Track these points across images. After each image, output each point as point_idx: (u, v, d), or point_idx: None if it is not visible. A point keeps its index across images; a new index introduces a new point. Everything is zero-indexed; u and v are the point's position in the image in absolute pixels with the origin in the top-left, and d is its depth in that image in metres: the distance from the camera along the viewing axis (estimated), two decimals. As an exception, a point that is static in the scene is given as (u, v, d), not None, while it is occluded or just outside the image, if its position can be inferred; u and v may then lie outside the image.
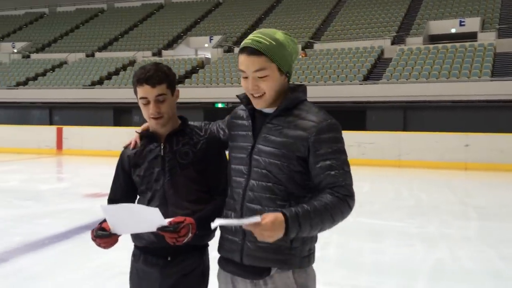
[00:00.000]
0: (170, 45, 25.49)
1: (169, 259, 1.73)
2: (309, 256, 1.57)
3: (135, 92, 1.76)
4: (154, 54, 23.93)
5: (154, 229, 1.56)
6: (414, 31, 20.29)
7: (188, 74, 20.93)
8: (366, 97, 15.86)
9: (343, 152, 1.52)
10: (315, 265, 1.62)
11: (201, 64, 22.30)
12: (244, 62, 1.53)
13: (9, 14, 33.85)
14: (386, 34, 20.48)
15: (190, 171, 1.75)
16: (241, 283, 1.59)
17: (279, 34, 1.54)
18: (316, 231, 1.45)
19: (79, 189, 8.54)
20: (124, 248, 2.00)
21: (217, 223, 1.41)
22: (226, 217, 1.62)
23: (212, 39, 25.32)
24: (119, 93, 19.34)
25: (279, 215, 1.37)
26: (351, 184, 1.50)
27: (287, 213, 1.38)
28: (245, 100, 1.64)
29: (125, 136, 12.37)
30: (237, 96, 1.69)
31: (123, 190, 1.85)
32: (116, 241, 1.64)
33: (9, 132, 16.24)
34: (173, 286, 1.72)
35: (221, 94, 18.38)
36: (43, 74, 22.55)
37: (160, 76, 1.71)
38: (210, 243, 1.83)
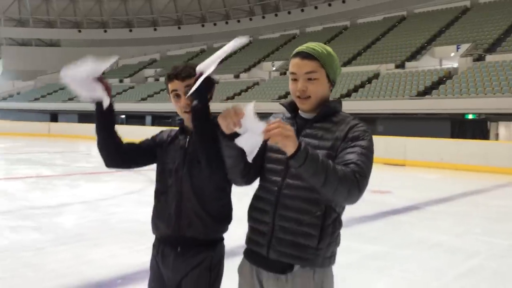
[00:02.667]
0: (413, 57, 25.50)
1: (178, 250, 1.80)
2: (331, 258, 1.62)
3: (168, 91, 1.86)
4: (397, 66, 24.42)
5: (95, 74, 1.74)
6: None
7: (434, 85, 20.66)
8: None
9: (368, 149, 1.53)
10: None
11: (448, 75, 21.65)
12: (297, 64, 1.63)
13: (267, 37, 39.57)
14: None
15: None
16: (265, 276, 1.65)
17: (329, 48, 1.68)
18: (319, 179, 1.42)
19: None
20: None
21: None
22: (262, 213, 1.66)
23: (459, 48, 24.21)
24: (365, 104, 20.62)
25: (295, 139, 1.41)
26: (368, 172, 1.50)
27: (303, 143, 1.42)
28: (289, 107, 1.73)
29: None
30: (281, 103, 1.76)
31: (138, 146, 1.93)
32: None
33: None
34: (182, 278, 1.79)
35: (471, 105, 17.62)
36: (298, 88, 25.79)
37: (189, 71, 1.78)
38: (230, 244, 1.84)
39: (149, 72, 39.96)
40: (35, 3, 49.39)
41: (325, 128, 1.60)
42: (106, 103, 1.78)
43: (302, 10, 40.24)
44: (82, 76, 1.74)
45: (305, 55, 1.62)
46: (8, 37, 49.78)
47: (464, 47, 23.87)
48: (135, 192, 8.02)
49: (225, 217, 1.83)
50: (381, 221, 6.52)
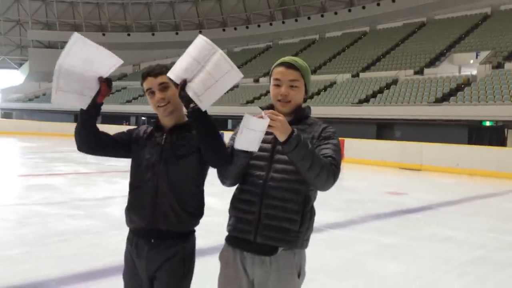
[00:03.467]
0: (432, 63, 25.79)
1: (152, 241, 1.86)
2: (307, 241, 1.85)
3: (143, 90, 1.94)
4: (416, 73, 24.76)
5: (98, 74, 1.75)
6: None
7: (452, 92, 20.98)
8: None
9: (338, 147, 1.82)
10: None
11: (466, 81, 21.93)
12: (282, 72, 1.86)
13: (287, 42, 40.21)
14: None
15: (186, 161, 1.88)
16: (249, 260, 1.82)
17: (305, 64, 1.93)
18: (306, 163, 1.65)
19: (377, 188, 10.38)
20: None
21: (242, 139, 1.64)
22: (248, 204, 1.83)
23: (478, 55, 24.45)
24: (383, 110, 21.05)
25: (289, 126, 1.66)
26: (340, 163, 1.77)
27: (295, 131, 1.66)
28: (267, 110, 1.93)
29: (387, 148, 14.27)
30: (261, 107, 1.94)
31: (114, 139, 1.97)
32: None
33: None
34: (157, 268, 1.86)
35: (489, 112, 17.95)
36: (317, 93, 26.31)
37: (161, 68, 1.90)
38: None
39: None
40: (62, 7, 50.99)
41: (300, 129, 1.80)
42: (86, 104, 1.80)
43: (322, 16, 40.71)
44: (83, 70, 1.71)
45: (289, 65, 1.86)
46: (35, 40, 51.43)
47: (484, 54, 24.09)
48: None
49: (199, 212, 1.93)
50: (396, 218, 7.08)
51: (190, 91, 1.68)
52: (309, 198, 1.81)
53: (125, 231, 2.02)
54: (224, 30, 46.69)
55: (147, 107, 30.85)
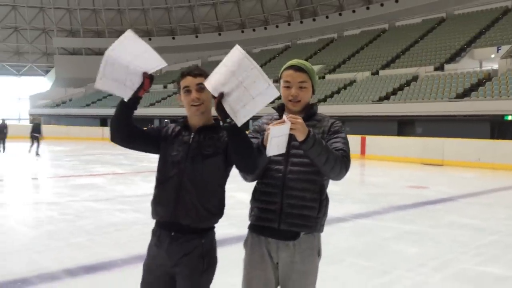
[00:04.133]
0: (452, 59, 25.79)
1: (172, 234, 1.94)
2: (323, 225, 2.05)
3: (179, 88, 2.02)
4: (436, 69, 24.84)
5: (143, 70, 1.84)
6: None
7: (473, 87, 21.07)
8: None
9: (346, 139, 2.03)
10: None
11: (487, 76, 21.96)
12: (291, 75, 2.04)
13: (305, 42, 40.52)
14: None
15: (212, 161, 1.95)
16: (274, 245, 2.00)
17: (312, 66, 2.11)
18: (322, 158, 1.85)
19: (399, 182, 10.80)
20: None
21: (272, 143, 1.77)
22: (270, 195, 2.01)
23: (499, 49, 24.40)
24: (403, 107, 21.27)
25: (306, 127, 1.84)
26: (349, 154, 1.98)
27: (311, 130, 1.85)
28: (279, 110, 2.14)
29: (409, 144, 14.76)
30: (273, 107, 2.17)
31: (145, 134, 2.03)
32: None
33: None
34: (176, 263, 1.94)
35: (511, 106, 18.03)
36: (337, 92, 26.63)
37: (201, 70, 2.01)
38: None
39: (192, 78, 41.69)
40: (85, 14, 52.45)
41: (312, 125, 1.98)
42: (128, 96, 1.89)
43: (340, 14, 40.83)
44: (129, 63, 1.79)
45: (298, 68, 2.04)
46: (60, 47, 53.03)
47: (505, 48, 24.00)
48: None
49: (219, 211, 2.00)
50: (417, 209, 7.52)
51: (227, 106, 1.75)
52: (324, 187, 2.02)
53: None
54: (242, 31, 47.29)
55: (170, 110, 31.73)
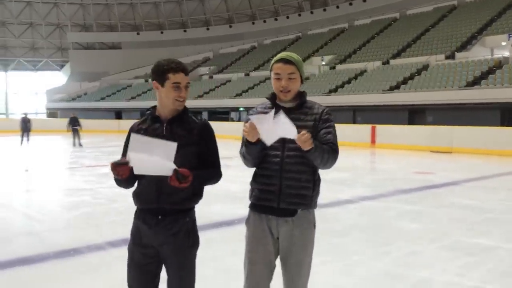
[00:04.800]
0: (463, 47, 25.84)
1: (159, 217, 2.08)
2: (317, 202, 2.30)
3: (163, 79, 2.08)
4: (447, 57, 24.94)
5: (165, 173, 1.93)
6: None
7: (483, 75, 21.22)
8: None
9: (334, 128, 2.25)
10: None
11: (498, 64, 22.08)
12: (281, 67, 2.21)
13: (316, 32, 40.65)
14: None
15: (185, 151, 2.04)
16: (274, 222, 2.23)
17: (299, 57, 2.29)
18: (318, 159, 2.12)
19: (407, 169, 11.25)
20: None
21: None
22: (269, 178, 2.23)
23: (511, 37, 24.43)
24: (414, 96, 21.53)
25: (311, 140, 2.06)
26: (337, 144, 2.21)
27: (314, 142, 2.08)
28: (271, 99, 2.29)
29: (418, 133, 15.24)
30: (266, 97, 2.32)
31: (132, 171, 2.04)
32: (128, 170, 1.95)
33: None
34: (162, 242, 2.08)
35: (521, 94, 18.21)
36: (348, 82, 26.91)
37: (188, 69, 2.15)
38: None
39: (203, 70, 42.20)
40: (98, 9, 53.15)
41: (304, 112, 2.23)
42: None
43: (351, 4, 40.82)
44: (149, 155, 1.92)
45: (287, 61, 2.21)
46: (74, 42, 53.91)
47: (516, 35, 24.05)
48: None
49: (199, 192, 2.18)
50: (421, 192, 8.01)
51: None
52: (316, 169, 2.26)
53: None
54: (253, 23, 47.56)
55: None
